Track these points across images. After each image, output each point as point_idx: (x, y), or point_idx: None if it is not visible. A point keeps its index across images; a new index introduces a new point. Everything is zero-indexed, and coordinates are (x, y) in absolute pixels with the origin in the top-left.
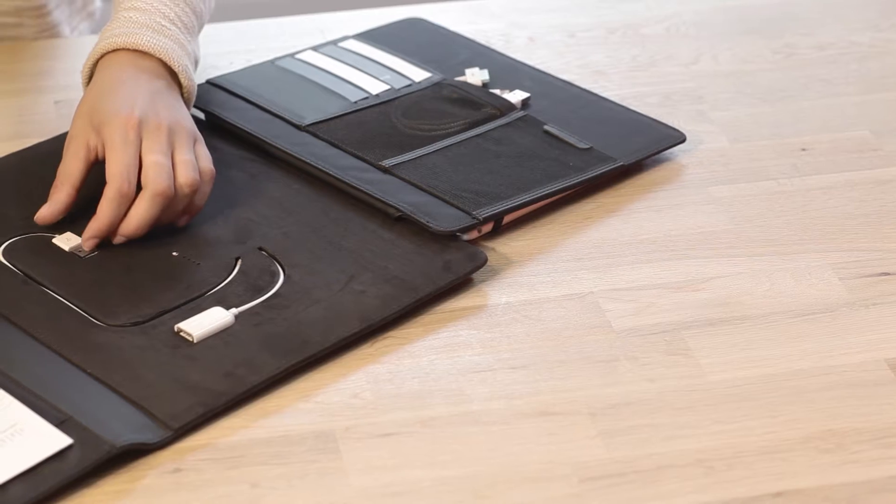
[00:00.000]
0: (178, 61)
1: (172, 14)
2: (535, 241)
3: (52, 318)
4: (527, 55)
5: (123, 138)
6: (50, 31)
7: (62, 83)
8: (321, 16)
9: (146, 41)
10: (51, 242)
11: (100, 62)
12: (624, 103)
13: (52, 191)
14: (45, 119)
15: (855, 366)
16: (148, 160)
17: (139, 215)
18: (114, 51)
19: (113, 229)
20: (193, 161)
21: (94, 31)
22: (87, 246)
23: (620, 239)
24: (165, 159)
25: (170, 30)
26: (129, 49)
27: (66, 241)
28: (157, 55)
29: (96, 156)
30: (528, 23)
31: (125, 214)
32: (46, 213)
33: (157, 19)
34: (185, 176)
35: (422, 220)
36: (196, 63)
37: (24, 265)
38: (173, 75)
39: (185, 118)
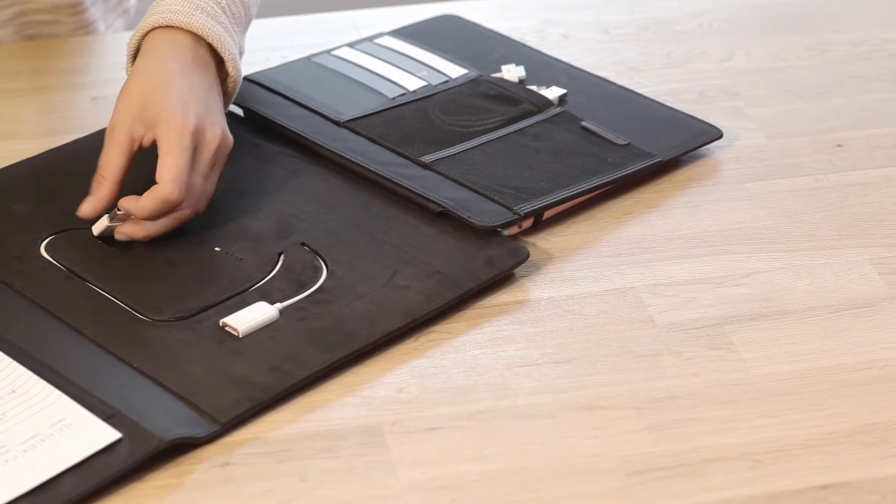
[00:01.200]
0: (230, 51)
1: (224, 2)
2: (575, 237)
3: (96, 314)
4: (561, 52)
5: (179, 143)
6: (86, 28)
7: (99, 79)
8: (356, 12)
9: (202, 24)
10: (93, 238)
11: (149, 38)
12: (659, 100)
13: (94, 185)
14: (82, 115)
15: None
16: (194, 180)
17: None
18: (166, 27)
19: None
20: (212, 191)
21: (128, 28)
22: (120, 237)
23: (660, 234)
24: (202, 183)
25: (221, 17)
26: (181, 29)
27: (98, 226)
28: (211, 41)
29: (140, 147)
30: (561, 20)
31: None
32: (89, 208)
33: (210, 4)
34: (200, 205)
35: (463, 216)
36: (241, 55)
37: (67, 260)
38: (219, 64)
39: (227, 129)
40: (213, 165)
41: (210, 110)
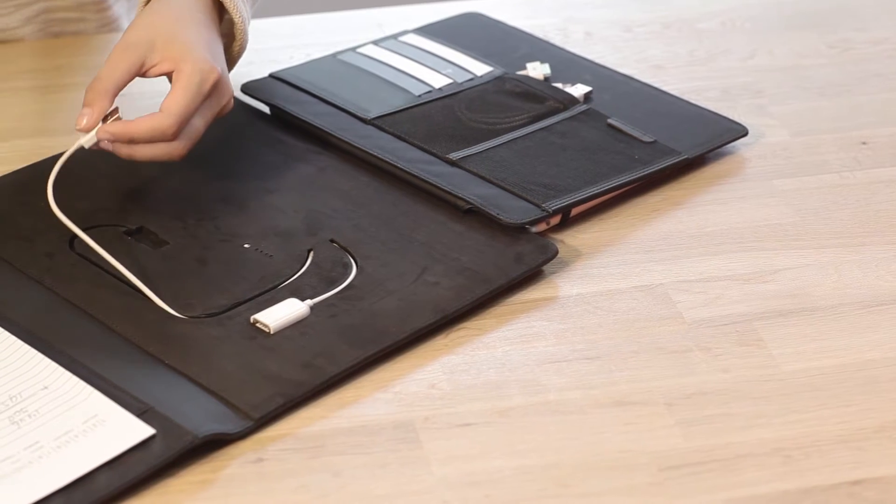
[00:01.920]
0: (241, 15)
1: None
2: (603, 234)
3: (127, 310)
4: (584, 49)
5: (200, 85)
6: (111, 26)
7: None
8: (379, 10)
9: None
10: (122, 234)
11: None
12: (684, 97)
13: (92, 95)
14: None
15: None
16: (196, 122)
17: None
18: None
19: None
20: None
21: None
22: (101, 139)
23: (687, 231)
24: (201, 128)
25: None
26: None
27: (89, 140)
28: (227, 4)
29: (144, 74)
30: (584, 17)
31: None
32: (91, 121)
33: None
34: (187, 149)
35: (492, 213)
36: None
37: (97, 257)
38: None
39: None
40: (214, 117)
41: (226, 68)
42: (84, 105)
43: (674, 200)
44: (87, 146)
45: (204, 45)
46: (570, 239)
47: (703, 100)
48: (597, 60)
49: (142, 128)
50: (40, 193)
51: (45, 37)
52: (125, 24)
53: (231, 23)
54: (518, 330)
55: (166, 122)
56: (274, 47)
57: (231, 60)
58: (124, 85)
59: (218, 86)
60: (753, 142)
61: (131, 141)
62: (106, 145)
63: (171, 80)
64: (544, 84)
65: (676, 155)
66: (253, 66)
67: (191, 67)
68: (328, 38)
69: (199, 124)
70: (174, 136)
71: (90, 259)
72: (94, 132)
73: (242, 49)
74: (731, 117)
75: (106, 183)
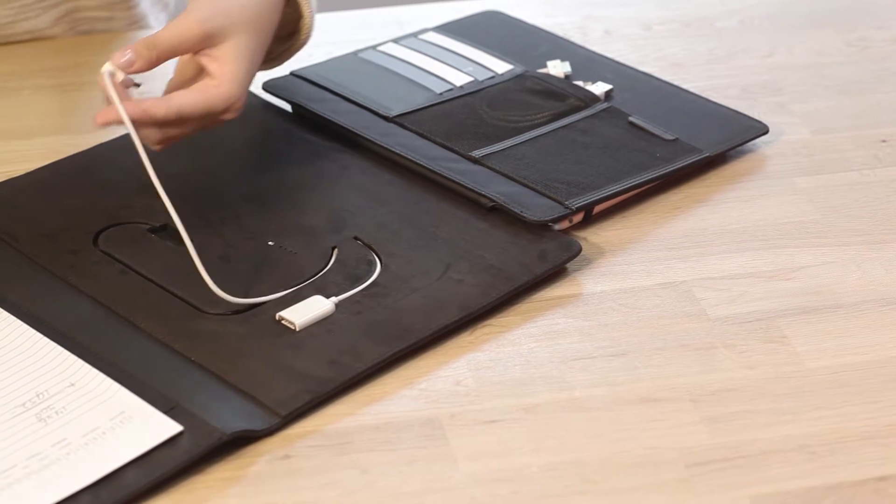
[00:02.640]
0: (312, 21)
1: None
2: (625, 231)
3: (152, 307)
4: (604, 48)
5: (217, 110)
6: (139, 24)
7: (144, 74)
8: (399, 8)
9: None
10: (146, 232)
11: None
12: (704, 95)
13: (144, 47)
14: None
15: None
16: (188, 130)
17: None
18: None
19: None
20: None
21: None
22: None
23: (710, 229)
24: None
25: None
26: None
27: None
28: None
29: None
30: (603, 16)
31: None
32: (125, 64)
33: None
34: (166, 144)
35: (515, 210)
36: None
37: (121, 254)
38: None
39: None
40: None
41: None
42: (130, 48)
43: (696, 198)
44: (106, 73)
45: (252, 68)
46: (593, 236)
47: (723, 98)
48: (616, 59)
49: (195, 101)
50: (61, 191)
51: (76, 36)
52: (152, 21)
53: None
54: (543, 327)
55: (161, 112)
56: None
57: (288, 52)
58: (175, 56)
59: (228, 112)
60: (774, 140)
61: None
62: (112, 92)
63: (200, 69)
64: (565, 82)
65: (698, 153)
66: None
67: (227, 91)
68: (348, 36)
69: (188, 132)
70: (158, 124)
71: (114, 256)
72: (119, 72)
73: (303, 44)
74: (751, 115)
75: (128, 180)
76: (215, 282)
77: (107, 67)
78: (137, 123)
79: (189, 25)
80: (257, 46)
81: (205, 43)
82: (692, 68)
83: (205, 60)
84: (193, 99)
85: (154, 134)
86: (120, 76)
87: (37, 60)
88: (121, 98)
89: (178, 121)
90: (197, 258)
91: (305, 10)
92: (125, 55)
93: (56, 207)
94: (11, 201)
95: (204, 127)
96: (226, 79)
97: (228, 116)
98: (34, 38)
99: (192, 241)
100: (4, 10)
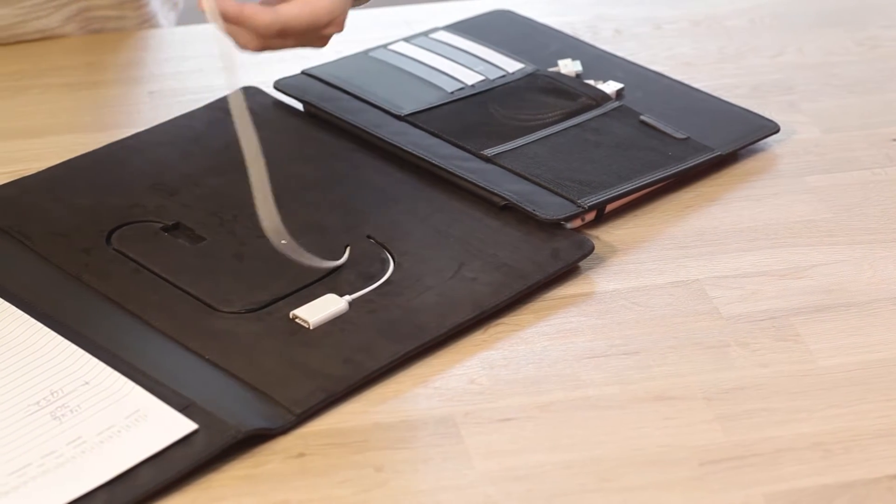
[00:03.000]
0: None
1: None
2: (637, 230)
3: (166, 306)
4: (614, 47)
5: (319, 25)
6: (149, 22)
7: (155, 74)
8: (408, 7)
9: None
10: (158, 230)
11: None
12: (714, 94)
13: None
14: (139, 109)
15: None
16: (290, 42)
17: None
18: None
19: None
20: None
21: (181, 22)
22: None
23: (721, 227)
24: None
25: None
26: None
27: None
28: None
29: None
30: (613, 15)
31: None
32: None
33: None
34: (264, 49)
35: (528, 209)
36: None
37: (135, 253)
38: None
39: None
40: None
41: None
42: None
43: (707, 197)
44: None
45: None
46: (605, 235)
47: (734, 97)
48: (627, 57)
49: (245, 9)
50: (73, 190)
51: (86, 35)
52: (162, 20)
53: None
54: (555, 325)
55: (265, 20)
56: None
57: None
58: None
59: (331, 26)
60: (785, 138)
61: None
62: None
63: None
64: (576, 81)
65: (710, 151)
66: (284, 63)
67: (331, 3)
68: (358, 36)
69: (289, 45)
70: (259, 32)
71: (127, 255)
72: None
73: None
74: (762, 114)
75: (140, 179)
76: (229, 280)
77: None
78: (237, 25)
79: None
80: None
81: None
82: (702, 67)
83: None
84: (297, 10)
85: (253, 41)
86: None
87: (47, 59)
88: None
89: (281, 32)
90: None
91: None
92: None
93: (68, 206)
94: (23, 200)
95: (304, 44)
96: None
97: (331, 31)
98: (45, 38)
99: (205, 239)
100: (15, 9)
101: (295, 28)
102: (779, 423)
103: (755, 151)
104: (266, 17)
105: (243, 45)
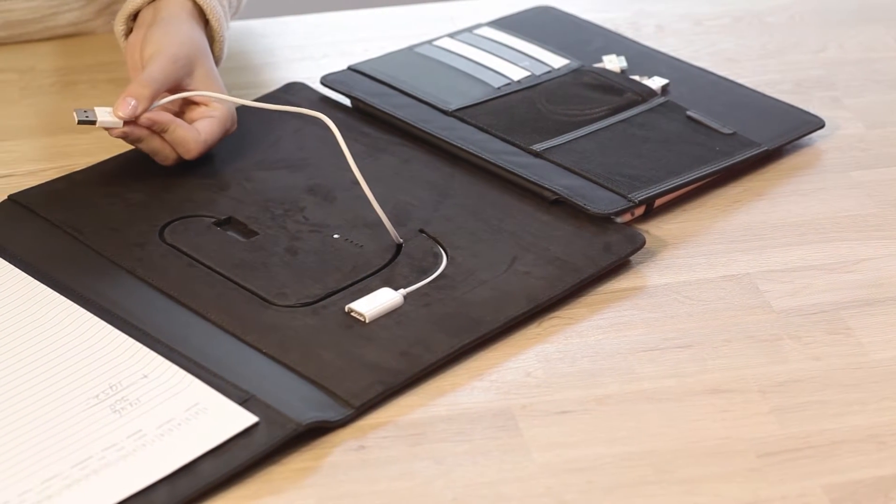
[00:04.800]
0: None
1: None
2: (687, 224)
3: (221, 299)
4: (657, 43)
5: (228, 128)
6: None
7: None
8: (452, 4)
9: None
10: (210, 225)
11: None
12: (758, 90)
13: (138, 89)
14: None
15: None
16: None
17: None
18: None
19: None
20: None
21: None
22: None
23: (769, 221)
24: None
25: None
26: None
27: (106, 113)
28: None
29: (171, 92)
30: (654, 11)
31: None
32: (131, 114)
33: None
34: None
35: (578, 203)
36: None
37: (188, 247)
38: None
39: None
40: None
41: None
42: (128, 95)
43: (755, 191)
44: (108, 127)
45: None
46: (655, 229)
47: (777, 92)
48: (670, 54)
49: (178, 132)
50: (124, 185)
51: None
52: None
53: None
54: (609, 319)
55: (196, 145)
56: (347, 40)
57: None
58: (162, 91)
59: (233, 126)
60: (829, 134)
61: (161, 131)
62: (116, 131)
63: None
64: (622, 76)
65: (756, 146)
66: (328, 58)
67: (230, 108)
68: (402, 32)
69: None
70: (190, 157)
71: (181, 249)
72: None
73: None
74: (806, 110)
75: (190, 174)
76: (283, 274)
77: (112, 123)
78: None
79: (165, 61)
80: (213, 65)
81: (182, 72)
82: (745, 63)
83: (193, 93)
84: (214, 127)
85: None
86: (117, 125)
87: (91, 55)
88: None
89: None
90: (379, 208)
91: (217, 35)
92: (128, 104)
93: (119, 201)
94: (73, 195)
95: None
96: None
97: (232, 131)
98: (77, 31)
99: (258, 234)
100: (47, 1)
101: (215, 141)
102: (834, 416)
103: (800, 147)
104: (199, 147)
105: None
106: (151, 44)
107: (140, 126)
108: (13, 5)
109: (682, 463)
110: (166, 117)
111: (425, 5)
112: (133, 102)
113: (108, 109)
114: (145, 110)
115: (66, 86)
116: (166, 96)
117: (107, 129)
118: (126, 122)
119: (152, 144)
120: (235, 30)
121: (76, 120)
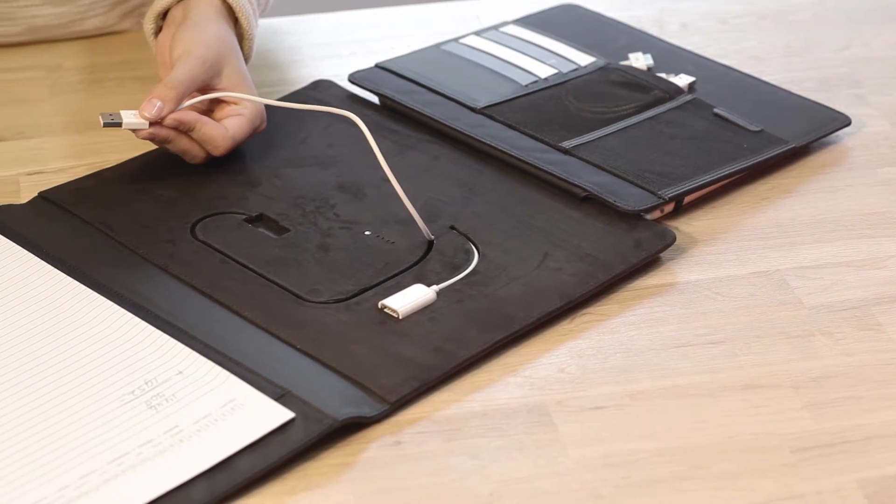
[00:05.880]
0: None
1: None
2: (716, 221)
3: (254, 296)
4: (682, 41)
5: (257, 126)
6: None
7: None
8: (477, 2)
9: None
10: (242, 222)
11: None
12: (784, 88)
13: (165, 91)
14: None
15: None
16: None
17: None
18: None
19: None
20: None
21: None
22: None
23: (799, 219)
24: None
25: None
26: None
27: (131, 115)
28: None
29: (202, 91)
30: (679, 9)
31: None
32: (157, 116)
33: None
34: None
35: (608, 200)
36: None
37: (220, 244)
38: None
39: None
40: None
41: None
42: (154, 97)
43: (783, 189)
44: (134, 129)
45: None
46: (685, 226)
47: (802, 90)
48: (695, 51)
49: (205, 129)
50: (155, 181)
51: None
52: None
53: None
54: (641, 315)
55: (224, 141)
56: (374, 38)
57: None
58: (189, 93)
59: (263, 124)
60: (856, 131)
61: (187, 130)
62: (143, 132)
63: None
64: (649, 74)
65: (784, 144)
66: (355, 56)
67: (259, 106)
68: (428, 30)
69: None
70: (219, 153)
71: (213, 245)
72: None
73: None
74: (831, 107)
75: (220, 171)
76: (315, 270)
77: (128, 120)
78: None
79: (194, 62)
80: (243, 63)
81: (210, 72)
82: (770, 61)
83: (219, 93)
84: (243, 124)
85: (201, 154)
86: (143, 126)
87: (118, 53)
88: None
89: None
90: (410, 205)
91: (247, 34)
92: (154, 105)
93: (150, 197)
94: (104, 192)
95: None
96: (251, 95)
97: (262, 129)
98: (102, 35)
99: (289, 230)
100: (74, 6)
101: (243, 139)
102: (867, 411)
103: (827, 144)
104: (227, 142)
105: (191, 158)
106: (180, 44)
107: (166, 127)
108: (39, 11)
109: (717, 458)
110: (192, 116)
111: (451, 3)
112: (158, 104)
113: (134, 112)
114: (171, 112)
115: (94, 83)
116: (195, 96)
117: (133, 130)
118: (152, 124)
119: (180, 144)
120: (262, 28)
121: (101, 123)
